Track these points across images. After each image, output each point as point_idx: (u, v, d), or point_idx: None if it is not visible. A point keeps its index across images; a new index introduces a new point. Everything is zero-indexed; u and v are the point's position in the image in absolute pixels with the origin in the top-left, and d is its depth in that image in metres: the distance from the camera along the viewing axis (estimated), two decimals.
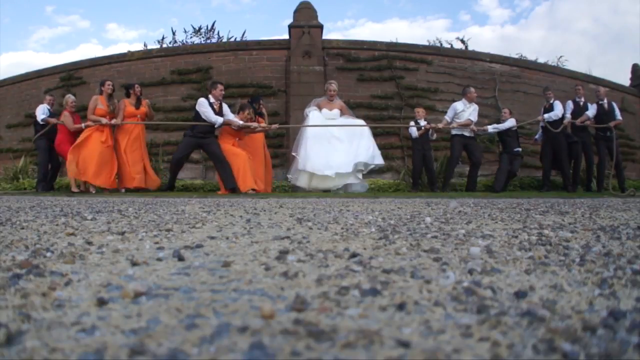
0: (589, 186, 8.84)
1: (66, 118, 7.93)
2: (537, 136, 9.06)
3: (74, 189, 7.61)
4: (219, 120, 7.47)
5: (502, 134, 8.74)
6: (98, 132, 7.61)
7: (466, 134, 8.38)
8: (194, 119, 7.80)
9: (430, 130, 8.46)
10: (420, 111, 8.61)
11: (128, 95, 8.05)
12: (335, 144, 7.68)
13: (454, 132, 8.40)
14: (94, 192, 7.50)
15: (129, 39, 48.24)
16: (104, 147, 7.59)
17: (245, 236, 1.79)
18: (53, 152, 8.27)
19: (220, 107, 7.71)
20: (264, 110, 8.47)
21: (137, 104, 8.01)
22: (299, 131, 8.06)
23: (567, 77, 11.73)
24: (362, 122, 8.19)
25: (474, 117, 8.45)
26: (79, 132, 7.86)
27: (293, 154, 7.95)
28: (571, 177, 8.62)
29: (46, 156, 8.28)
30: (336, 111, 8.00)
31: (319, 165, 7.52)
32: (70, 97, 8.20)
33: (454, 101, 10.80)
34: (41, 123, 8.29)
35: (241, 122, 7.69)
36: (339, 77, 10.62)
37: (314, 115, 7.95)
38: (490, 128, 8.74)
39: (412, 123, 8.59)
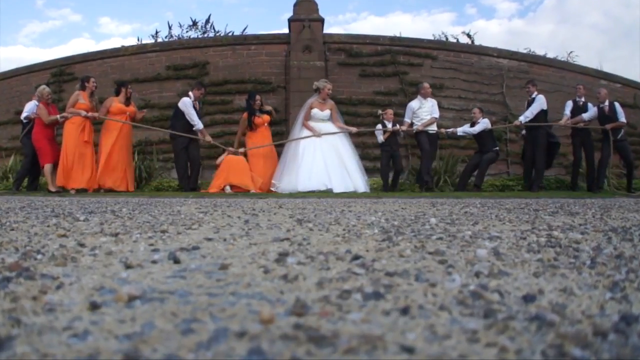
0: (599, 184, 8.84)
1: (41, 110, 7.82)
2: (523, 131, 9.02)
3: (52, 188, 7.58)
4: (199, 125, 7.98)
5: (476, 135, 8.67)
6: (79, 130, 7.58)
7: (430, 130, 8.38)
8: (173, 117, 8.15)
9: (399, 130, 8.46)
10: (389, 113, 8.56)
11: (117, 93, 8.07)
12: (326, 161, 7.71)
13: (379, 140, 8.44)
14: (73, 192, 7.48)
15: (123, 33, 48.09)
16: (86, 146, 7.64)
17: (244, 238, 1.79)
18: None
19: (199, 107, 8.25)
20: (266, 108, 8.42)
21: (127, 102, 8.04)
22: (291, 146, 8.05)
23: (577, 73, 11.69)
24: (344, 129, 8.25)
25: (437, 113, 8.48)
26: (54, 124, 7.90)
27: (273, 185, 7.87)
28: (539, 175, 8.63)
29: (32, 158, 8.18)
30: (327, 112, 8.08)
31: (309, 184, 7.53)
32: (45, 89, 8.05)
33: (460, 98, 10.77)
34: (24, 121, 8.23)
35: (209, 139, 8.18)
36: (341, 73, 10.62)
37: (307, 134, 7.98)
38: (460, 131, 8.71)
39: (379, 126, 8.53)
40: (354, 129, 8.28)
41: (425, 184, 8.21)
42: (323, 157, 7.69)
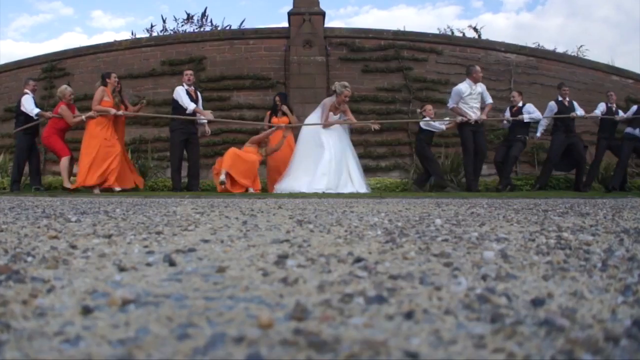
0: (623, 186, 8.92)
1: (65, 111, 7.71)
2: (538, 134, 8.96)
3: (68, 185, 7.51)
4: (191, 105, 7.95)
5: (516, 121, 8.56)
6: (105, 130, 7.54)
7: (473, 121, 8.12)
8: (173, 111, 8.21)
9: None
10: (428, 109, 8.53)
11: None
12: (332, 162, 7.71)
13: (460, 119, 8.11)
14: (118, 189, 7.45)
15: (116, 27, 48.04)
16: (108, 145, 7.61)
17: (242, 239, 1.79)
18: (34, 149, 8.15)
19: (196, 94, 8.26)
20: (282, 108, 8.38)
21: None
22: (299, 148, 8.06)
23: (587, 68, 11.69)
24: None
25: (490, 99, 8.32)
26: (77, 124, 7.78)
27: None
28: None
29: (24, 155, 8.07)
30: (338, 115, 8.06)
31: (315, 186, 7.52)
32: (67, 89, 7.96)
33: None
34: (35, 118, 7.92)
35: (209, 114, 8.20)
36: (342, 68, 10.62)
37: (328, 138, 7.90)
38: (527, 118, 8.45)
39: (427, 119, 8.45)
40: (376, 125, 8.22)
41: (468, 189, 8.01)
42: (334, 159, 7.71)
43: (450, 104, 8.28)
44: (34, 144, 8.17)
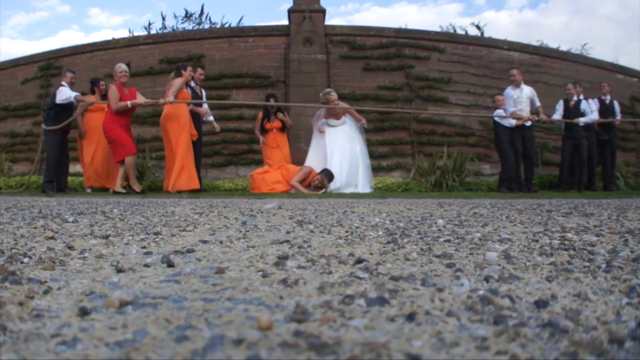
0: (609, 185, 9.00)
1: (112, 94, 6.87)
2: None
3: (137, 188, 7.16)
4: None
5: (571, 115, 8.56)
6: (188, 127, 7.37)
7: (526, 124, 8.26)
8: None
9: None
10: (500, 99, 8.42)
11: (93, 92, 8.01)
12: (343, 162, 7.82)
13: (507, 123, 8.18)
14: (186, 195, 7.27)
15: (113, 25, 48.01)
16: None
17: (241, 240, 1.80)
18: (64, 146, 7.68)
19: (200, 91, 8.19)
20: (279, 115, 8.34)
21: (103, 99, 7.87)
22: (316, 144, 8.14)
23: (592, 67, 11.69)
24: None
25: (539, 102, 8.48)
26: (128, 112, 7.14)
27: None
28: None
29: (57, 152, 7.50)
30: (343, 119, 8.13)
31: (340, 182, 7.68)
32: (121, 66, 7.11)
33: (469, 92, 10.72)
34: (75, 103, 7.33)
35: (209, 114, 8.10)
36: (343, 67, 10.61)
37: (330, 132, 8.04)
38: (582, 122, 8.47)
39: (500, 111, 8.30)
40: (364, 122, 8.26)
41: (526, 189, 8.03)
42: (345, 159, 7.79)
43: (509, 108, 8.34)
44: (64, 140, 7.68)
